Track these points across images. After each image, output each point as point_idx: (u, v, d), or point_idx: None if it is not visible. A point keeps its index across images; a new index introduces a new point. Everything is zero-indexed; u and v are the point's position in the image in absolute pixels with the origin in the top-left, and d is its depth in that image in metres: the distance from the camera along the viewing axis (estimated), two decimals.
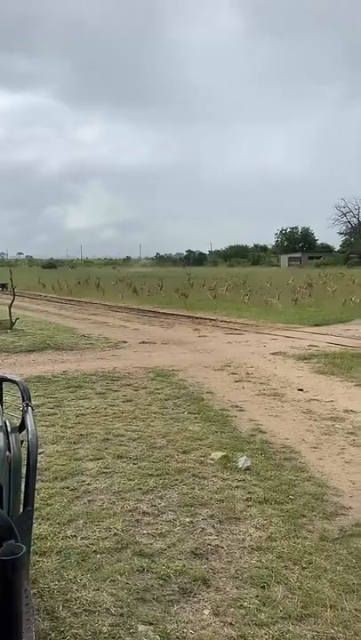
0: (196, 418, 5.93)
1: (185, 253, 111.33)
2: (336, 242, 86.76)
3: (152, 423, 5.73)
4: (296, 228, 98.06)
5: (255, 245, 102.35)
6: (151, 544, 3.32)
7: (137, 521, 3.61)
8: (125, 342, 11.49)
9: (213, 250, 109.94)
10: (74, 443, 5.09)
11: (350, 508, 3.89)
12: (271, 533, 3.46)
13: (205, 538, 3.42)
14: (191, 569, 3.06)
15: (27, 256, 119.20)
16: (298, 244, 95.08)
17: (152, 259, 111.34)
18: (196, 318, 15.75)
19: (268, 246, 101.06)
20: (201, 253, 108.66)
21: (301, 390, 7.26)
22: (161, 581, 2.95)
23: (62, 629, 2.54)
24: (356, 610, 2.74)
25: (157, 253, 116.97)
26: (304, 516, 3.72)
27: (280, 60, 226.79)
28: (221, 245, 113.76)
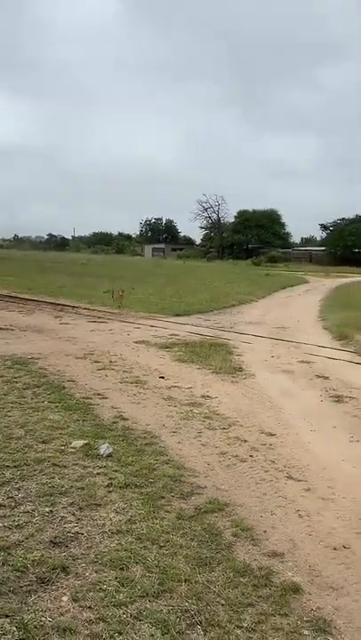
0: (56, 407, 5.81)
1: (46, 237, 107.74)
2: (198, 235, 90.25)
3: (9, 413, 5.49)
4: (160, 219, 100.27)
5: (120, 233, 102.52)
6: (7, 537, 3.21)
7: None
8: None
9: (77, 235, 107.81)
10: None
11: (205, 487, 4.14)
12: (131, 516, 3.55)
13: (65, 526, 3.39)
14: (50, 558, 3.03)
15: None
16: (162, 235, 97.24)
17: (10, 240, 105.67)
18: (58, 305, 15.36)
19: (133, 235, 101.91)
20: (63, 238, 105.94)
21: (163, 378, 7.49)
22: (18, 573, 2.87)
23: None
24: (207, 582, 2.94)
25: (16, 235, 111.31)
26: (163, 497, 3.87)
27: (156, 50, 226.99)
28: (85, 231, 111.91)
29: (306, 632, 2.63)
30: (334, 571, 3.18)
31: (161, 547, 3.23)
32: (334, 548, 3.42)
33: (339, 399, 6.89)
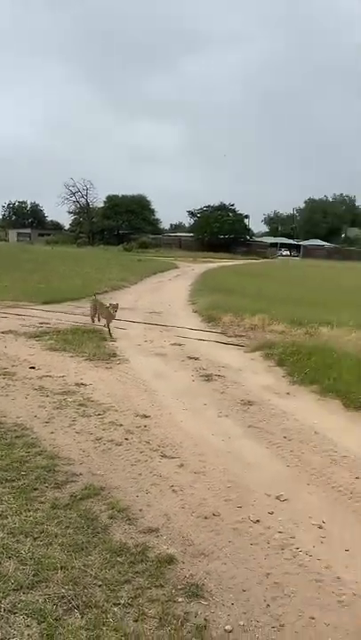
0: None
1: None
2: (67, 220, 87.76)
3: None
4: (25, 202, 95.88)
5: None
6: None
7: None
8: None
9: None
10: None
11: (80, 474, 4.12)
12: (2, 511, 3.43)
13: None
14: None
15: None
16: (27, 219, 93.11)
17: None
18: None
19: None
20: None
21: (33, 368, 7.25)
22: None
23: None
24: (84, 566, 2.96)
25: None
26: (36, 489, 3.79)
27: (6, 24, 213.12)
28: None
29: (180, 599, 2.77)
30: (205, 538, 3.37)
31: (35, 538, 3.17)
32: (205, 517, 3.62)
33: (208, 378, 7.24)
